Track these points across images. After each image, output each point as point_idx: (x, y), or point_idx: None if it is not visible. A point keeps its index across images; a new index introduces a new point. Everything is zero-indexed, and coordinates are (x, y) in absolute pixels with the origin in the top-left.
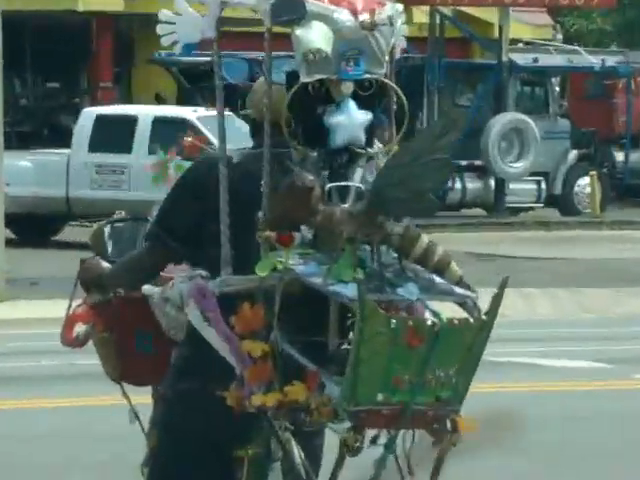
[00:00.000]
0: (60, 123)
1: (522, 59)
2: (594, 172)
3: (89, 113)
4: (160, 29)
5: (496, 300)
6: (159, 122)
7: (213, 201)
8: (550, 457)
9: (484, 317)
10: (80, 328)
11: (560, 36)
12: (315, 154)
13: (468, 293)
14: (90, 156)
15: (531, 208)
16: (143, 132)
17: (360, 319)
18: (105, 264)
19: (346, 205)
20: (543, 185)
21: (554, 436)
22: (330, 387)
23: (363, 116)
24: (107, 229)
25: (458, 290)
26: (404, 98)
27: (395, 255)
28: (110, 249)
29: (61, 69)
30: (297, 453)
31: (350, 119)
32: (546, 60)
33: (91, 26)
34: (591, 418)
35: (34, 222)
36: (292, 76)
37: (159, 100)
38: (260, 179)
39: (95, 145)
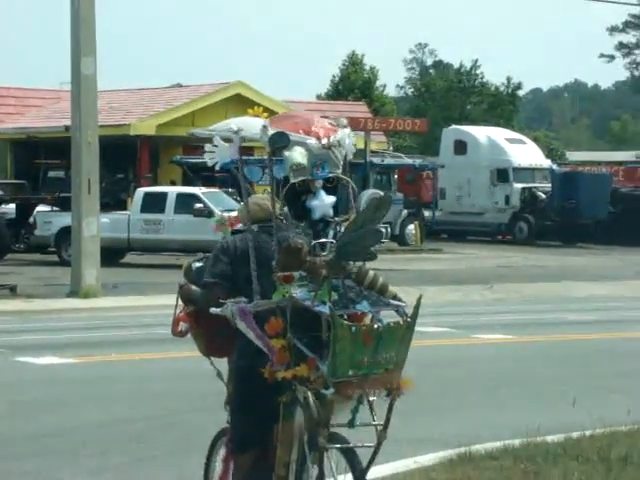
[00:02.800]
0: (120, 197)
1: (376, 160)
2: (417, 222)
3: (140, 191)
4: (207, 155)
5: (416, 308)
6: (180, 195)
7: (240, 259)
8: None
9: (409, 320)
10: (183, 325)
11: (391, 147)
12: (303, 224)
13: (400, 304)
14: (141, 215)
15: (382, 242)
16: (171, 201)
17: (332, 327)
18: (194, 287)
19: (325, 253)
20: (389, 229)
21: None
22: (322, 367)
23: (330, 199)
24: (194, 264)
25: (394, 302)
26: (354, 186)
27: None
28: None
29: (120, 167)
30: (312, 400)
31: (322, 202)
32: (388, 161)
33: (137, 143)
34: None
35: (109, 252)
36: (285, 179)
37: (172, 184)
38: (270, 244)
39: (144, 208)
